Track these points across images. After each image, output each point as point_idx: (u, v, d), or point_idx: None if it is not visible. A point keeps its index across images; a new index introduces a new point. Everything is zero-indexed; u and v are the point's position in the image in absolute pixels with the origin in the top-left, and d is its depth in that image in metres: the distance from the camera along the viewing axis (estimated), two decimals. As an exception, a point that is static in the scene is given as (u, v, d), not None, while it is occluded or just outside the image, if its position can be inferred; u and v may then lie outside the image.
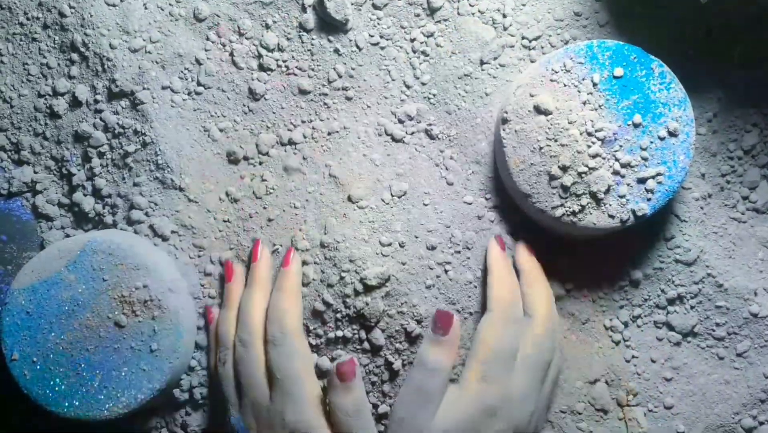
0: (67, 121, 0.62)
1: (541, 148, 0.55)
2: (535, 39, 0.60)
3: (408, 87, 0.60)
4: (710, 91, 0.60)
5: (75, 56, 0.61)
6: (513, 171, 0.55)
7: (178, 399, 0.60)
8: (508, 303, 0.55)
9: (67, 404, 0.55)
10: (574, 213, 0.55)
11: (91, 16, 0.61)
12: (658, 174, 0.54)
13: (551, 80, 0.55)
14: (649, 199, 0.54)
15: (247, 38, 0.61)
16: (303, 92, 0.61)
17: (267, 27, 0.61)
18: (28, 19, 0.63)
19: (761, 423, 0.60)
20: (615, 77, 0.55)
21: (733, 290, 0.59)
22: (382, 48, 0.60)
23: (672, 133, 0.54)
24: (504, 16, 0.60)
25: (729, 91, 0.60)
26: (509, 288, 0.56)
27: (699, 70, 0.60)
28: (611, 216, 0.54)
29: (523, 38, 0.60)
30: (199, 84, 0.61)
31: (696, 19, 0.60)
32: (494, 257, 0.57)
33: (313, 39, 0.60)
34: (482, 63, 0.60)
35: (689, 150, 0.54)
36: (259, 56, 0.61)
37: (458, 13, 0.60)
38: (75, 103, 0.61)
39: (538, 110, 0.55)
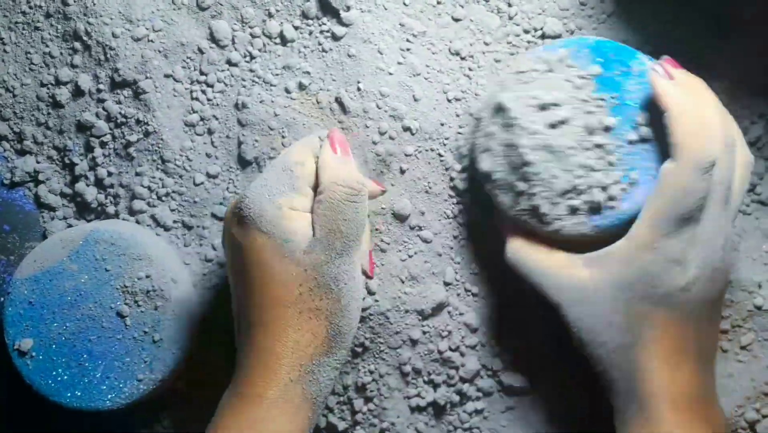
0: (69, 111, 0.62)
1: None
2: (540, 29, 0.59)
3: (415, 75, 0.60)
4: (717, 81, 0.59)
5: (78, 45, 0.61)
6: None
7: (181, 389, 0.60)
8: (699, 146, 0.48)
9: (69, 394, 0.55)
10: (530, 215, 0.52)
11: (94, 4, 0.61)
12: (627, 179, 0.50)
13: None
14: (612, 208, 0.51)
15: (249, 27, 0.60)
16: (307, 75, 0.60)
17: (270, 15, 0.60)
18: (30, 7, 0.62)
19: (765, 416, 0.59)
20: (592, 75, 0.52)
21: (738, 283, 0.59)
22: (383, 35, 0.60)
23: (643, 139, 0.51)
24: (509, 5, 0.59)
25: (736, 82, 0.59)
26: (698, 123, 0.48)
27: (707, 59, 0.59)
28: (576, 223, 0.52)
29: (527, 28, 0.59)
30: (201, 73, 0.61)
31: (705, 7, 0.59)
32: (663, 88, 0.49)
33: (315, 27, 0.60)
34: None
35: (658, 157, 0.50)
36: (263, 45, 0.60)
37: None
38: (77, 92, 0.61)
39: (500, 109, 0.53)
